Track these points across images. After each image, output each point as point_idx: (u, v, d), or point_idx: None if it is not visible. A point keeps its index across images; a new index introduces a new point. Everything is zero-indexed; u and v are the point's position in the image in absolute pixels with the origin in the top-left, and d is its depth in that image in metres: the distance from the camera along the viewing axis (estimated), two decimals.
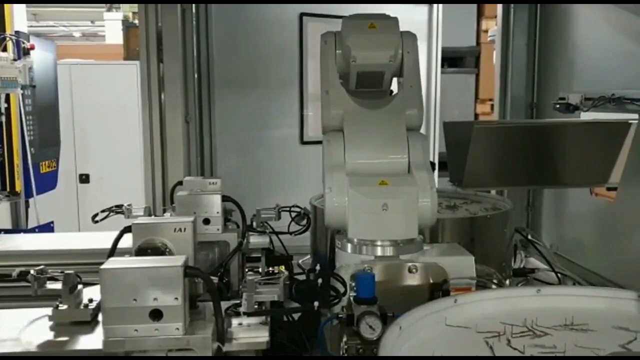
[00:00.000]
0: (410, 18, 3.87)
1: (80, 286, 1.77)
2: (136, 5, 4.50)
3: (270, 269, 2.37)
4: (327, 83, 2.05)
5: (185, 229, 1.79)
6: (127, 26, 7.95)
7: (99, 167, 7.10)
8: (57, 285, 1.74)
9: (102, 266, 1.46)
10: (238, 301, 1.73)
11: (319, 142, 2.03)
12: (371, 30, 2.04)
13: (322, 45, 2.09)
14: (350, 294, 1.72)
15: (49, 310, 1.71)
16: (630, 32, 2.56)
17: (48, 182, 5.42)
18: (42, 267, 1.82)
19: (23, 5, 5.31)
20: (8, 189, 4.95)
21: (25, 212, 5.22)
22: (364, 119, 1.98)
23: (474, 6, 6.05)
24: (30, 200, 5.14)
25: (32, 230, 5.01)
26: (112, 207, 2.54)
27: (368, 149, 1.95)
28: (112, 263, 1.49)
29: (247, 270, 2.28)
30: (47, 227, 5.15)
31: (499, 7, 3.49)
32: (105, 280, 1.44)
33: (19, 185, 5.00)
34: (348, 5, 3.78)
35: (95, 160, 7.11)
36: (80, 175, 7.15)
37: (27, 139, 4.92)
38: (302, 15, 3.97)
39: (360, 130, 1.96)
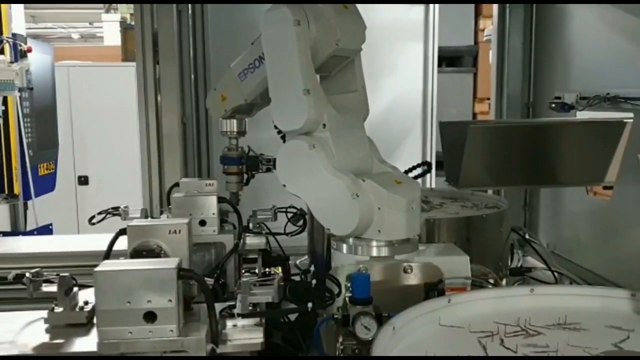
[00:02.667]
0: (407, 17, 3.87)
1: (75, 288, 1.76)
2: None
3: (267, 270, 2.38)
4: (307, 79, 1.87)
5: (180, 230, 1.79)
6: (125, 28, 7.95)
7: (97, 169, 7.11)
8: (53, 288, 1.74)
9: (96, 269, 1.46)
10: (233, 303, 1.73)
11: None
12: (348, 11, 1.97)
13: (294, 27, 1.85)
14: (346, 295, 1.72)
15: (44, 313, 1.71)
16: (625, 31, 2.57)
17: (46, 185, 5.43)
18: (37, 269, 1.82)
19: (21, 8, 5.31)
20: (6, 192, 4.95)
21: (24, 214, 5.23)
22: (341, 124, 1.96)
23: (472, 5, 6.05)
24: (29, 203, 5.15)
25: (31, 233, 5.02)
26: (108, 209, 2.54)
27: (354, 152, 1.99)
28: (106, 265, 1.50)
29: (243, 271, 2.29)
30: (46, 230, 5.16)
31: (495, 6, 3.49)
32: (99, 282, 1.44)
33: (18, 188, 5.00)
34: None
35: (94, 162, 7.12)
36: (79, 177, 7.16)
37: (25, 141, 4.93)
38: None
39: (343, 135, 1.95)
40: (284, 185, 1.97)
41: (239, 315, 1.67)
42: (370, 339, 1.53)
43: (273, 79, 1.95)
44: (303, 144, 1.90)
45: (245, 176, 2.59)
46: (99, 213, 2.54)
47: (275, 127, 2.04)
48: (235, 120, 2.51)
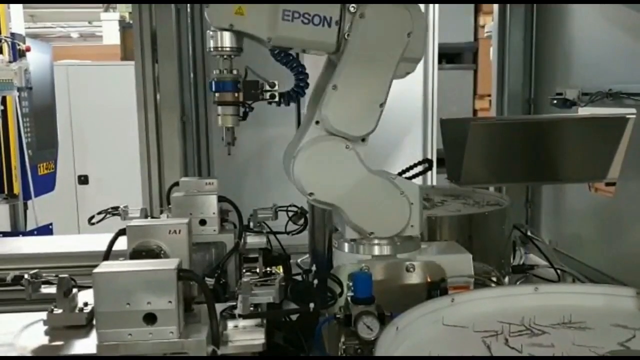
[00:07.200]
0: None
1: (75, 290, 1.75)
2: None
3: (268, 269, 2.36)
4: (388, 92, 1.85)
5: (180, 230, 1.77)
6: (124, 26, 7.92)
7: (97, 168, 7.09)
8: (52, 289, 1.73)
9: (95, 270, 1.44)
10: (234, 303, 1.72)
11: None
12: None
13: (407, 37, 1.80)
14: (348, 294, 1.71)
15: (43, 315, 1.70)
16: (627, 26, 2.55)
17: (46, 184, 5.41)
18: (36, 271, 1.81)
19: (20, 7, 5.29)
20: (6, 192, 4.94)
21: (23, 214, 5.21)
22: None
23: None
24: (29, 203, 5.13)
25: (31, 233, 5.00)
26: (108, 209, 2.53)
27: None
28: (105, 267, 1.48)
29: (244, 271, 2.27)
30: (46, 229, 5.15)
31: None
32: (98, 284, 1.43)
33: (17, 188, 4.98)
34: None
35: (94, 162, 7.10)
36: (79, 177, 7.14)
37: (24, 141, 4.91)
38: None
39: None
40: (311, 194, 1.83)
41: (240, 316, 1.66)
42: (372, 338, 1.52)
43: (353, 79, 1.80)
44: (339, 144, 1.82)
45: (242, 109, 2.05)
46: (99, 213, 2.52)
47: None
48: (229, 34, 1.98)
